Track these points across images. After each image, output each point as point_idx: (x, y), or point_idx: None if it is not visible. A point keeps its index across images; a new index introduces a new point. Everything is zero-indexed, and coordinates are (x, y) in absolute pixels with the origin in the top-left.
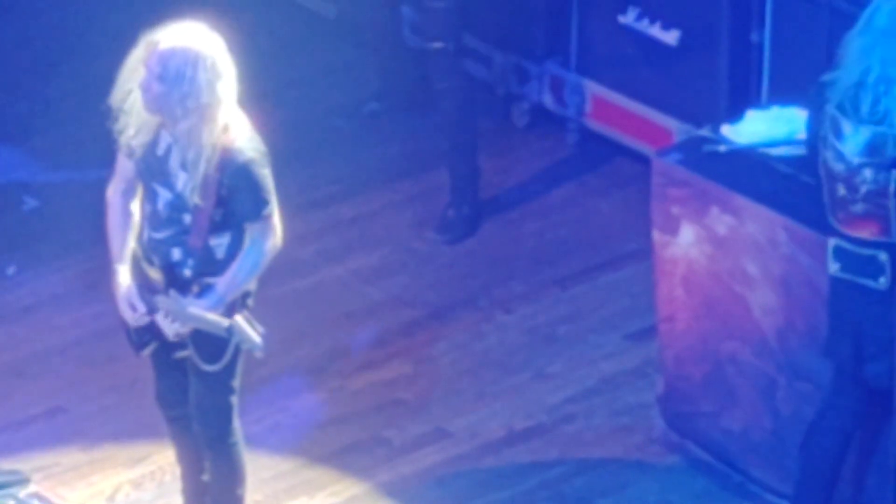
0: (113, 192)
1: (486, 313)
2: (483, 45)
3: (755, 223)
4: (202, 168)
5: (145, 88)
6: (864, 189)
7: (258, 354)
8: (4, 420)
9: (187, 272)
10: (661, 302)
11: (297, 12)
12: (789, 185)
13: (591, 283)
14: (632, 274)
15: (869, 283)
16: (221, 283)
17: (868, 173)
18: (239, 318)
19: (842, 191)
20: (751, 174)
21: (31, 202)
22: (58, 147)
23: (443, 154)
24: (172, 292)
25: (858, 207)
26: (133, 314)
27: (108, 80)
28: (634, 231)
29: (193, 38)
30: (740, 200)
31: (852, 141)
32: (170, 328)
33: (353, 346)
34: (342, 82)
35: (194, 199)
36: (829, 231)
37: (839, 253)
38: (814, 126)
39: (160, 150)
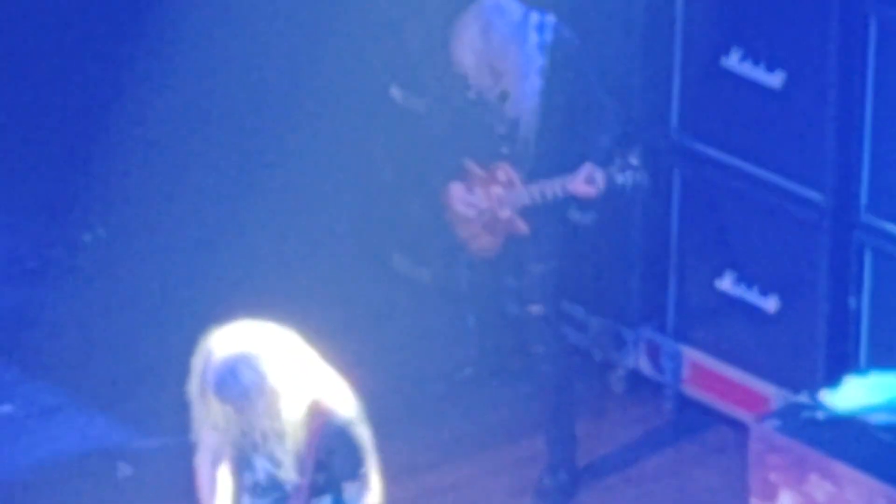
0: (201, 462)
1: None
2: (579, 310)
3: (855, 491)
4: (290, 442)
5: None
6: None
7: None
8: None
9: None
10: None
11: (393, 277)
12: (890, 453)
13: None
14: None
15: None
16: None
17: None
18: None
19: None
20: (850, 441)
21: (125, 469)
22: (152, 412)
23: (539, 420)
24: None
25: None
26: None
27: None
28: (732, 499)
29: (236, 345)
30: (840, 468)
31: None
32: None
33: None
34: (438, 347)
35: (291, 476)
36: None
37: None
38: None
39: (256, 433)
